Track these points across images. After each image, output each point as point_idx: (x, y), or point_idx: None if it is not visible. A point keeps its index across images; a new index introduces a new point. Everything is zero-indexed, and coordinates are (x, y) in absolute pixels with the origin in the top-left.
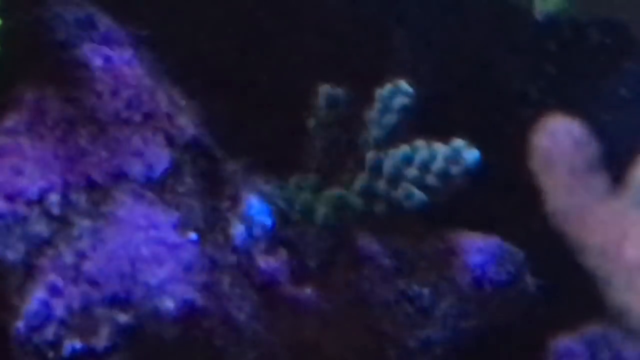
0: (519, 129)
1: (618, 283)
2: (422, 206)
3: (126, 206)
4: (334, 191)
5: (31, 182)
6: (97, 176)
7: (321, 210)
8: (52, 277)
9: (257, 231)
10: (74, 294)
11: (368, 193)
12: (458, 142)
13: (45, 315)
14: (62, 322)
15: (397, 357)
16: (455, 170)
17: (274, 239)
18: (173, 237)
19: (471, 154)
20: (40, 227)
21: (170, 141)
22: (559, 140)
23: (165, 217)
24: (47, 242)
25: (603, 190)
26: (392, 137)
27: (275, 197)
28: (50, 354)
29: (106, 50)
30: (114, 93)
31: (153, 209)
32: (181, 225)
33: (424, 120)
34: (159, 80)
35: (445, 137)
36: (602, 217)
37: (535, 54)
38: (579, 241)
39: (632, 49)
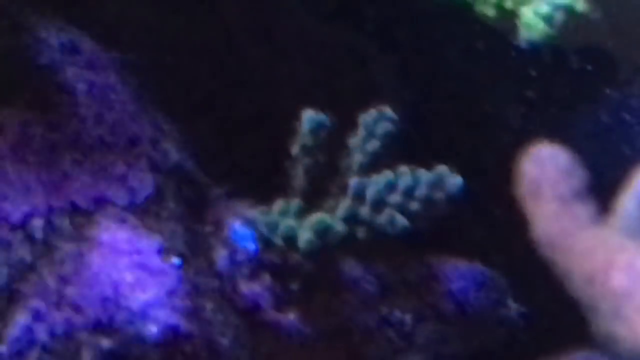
0: (500, 155)
1: (604, 311)
2: (405, 232)
3: (109, 231)
4: (317, 216)
5: (14, 207)
6: (80, 201)
7: (304, 236)
8: (35, 302)
9: (240, 256)
10: (57, 318)
11: (351, 219)
12: (441, 169)
13: (28, 340)
14: (45, 347)
15: None
16: (438, 196)
17: (257, 264)
18: (156, 262)
19: (454, 180)
20: (23, 252)
21: (153, 166)
22: (545, 167)
23: (148, 242)
24: (30, 266)
25: (589, 218)
26: (376, 163)
27: (258, 222)
28: None
29: (90, 75)
30: (98, 118)
31: (136, 233)
32: (164, 250)
33: (408, 147)
34: (142, 105)
35: (428, 164)
36: (589, 245)
37: (517, 80)
38: (564, 268)
39: (614, 76)
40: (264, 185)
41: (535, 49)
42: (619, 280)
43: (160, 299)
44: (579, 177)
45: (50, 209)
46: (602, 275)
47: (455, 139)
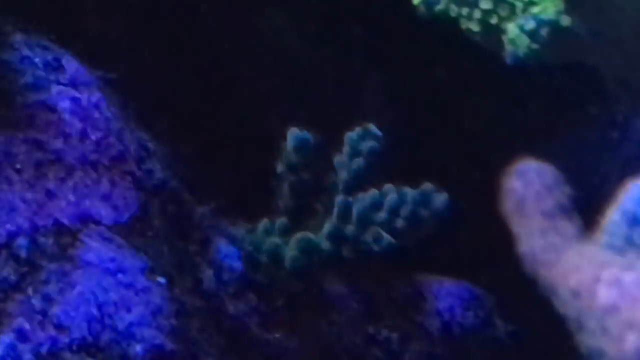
0: (487, 172)
1: (590, 326)
2: (391, 250)
3: (94, 250)
4: (303, 235)
5: None
6: (65, 219)
7: (290, 254)
8: (20, 322)
9: (225, 275)
10: (42, 338)
11: (337, 237)
12: (427, 186)
13: None
14: None
15: None
16: (424, 214)
17: (243, 283)
18: (141, 281)
19: (440, 198)
20: (7, 271)
21: (138, 185)
22: (530, 182)
23: (133, 261)
24: (15, 286)
25: (575, 233)
26: (361, 181)
27: (243, 240)
28: None
29: (74, 92)
30: (82, 136)
31: (121, 252)
32: (150, 269)
33: (394, 165)
34: (127, 123)
35: (414, 181)
36: (574, 260)
37: (504, 98)
38: (550, 284)
39: (600, 93)
40: (250, 203)
41: (521, 66)
42: (605, 295)
43: (145, 318)
44: (564, 192)
45: (35, 228)
46: (588, 291)
47: (441, 156)
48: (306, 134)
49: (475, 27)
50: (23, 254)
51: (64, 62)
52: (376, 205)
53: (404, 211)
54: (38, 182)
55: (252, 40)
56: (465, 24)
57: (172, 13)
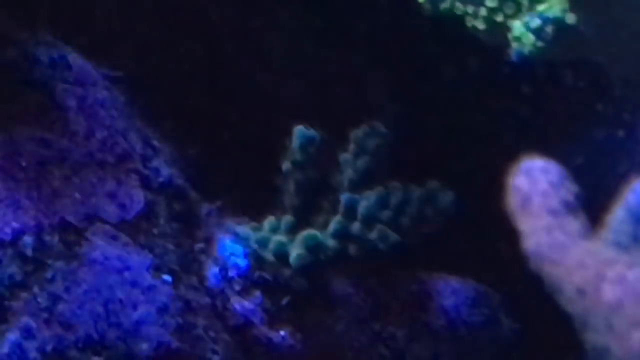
0: (493, 171)
1: (595, 324)
2: (397, 248)
3: (100, 248)
4: (308, 232)
5: (4, 224)
6: (70, 217)
7: (295, 252)
8: (26, 320)
9: (231, 273)
10: (48, 336)
11: (342, 235)
12: (433, 184)
13: (18, 358)
14: None
15: None
16: (430, 212)
17: (248, 281)
18: (147, 279)
19: (446, 196)
20: (13, 269)
21: (144, 182)
22: (535, 179)
23: (139, 258)
24: (21, 284)
25: (580, 231)
26: (367, 179)
27: (249, 238)
28: None
29: (80, 91)
30: (88, 134)
31: (127, 250)
32: (155, 267)
33: (399, 163)
34: (132, 121)
35: (419, 179)
36: (579, 258)
37: (510, 95)
38: (555, 282)
39: (606, 91)
40: (255, 201)
41: (528, 64)
42: (610, 293)
43: (151, 316)
44: (569, 190)
45: (41, 226)
46: (593, 289)
47: (447, 155)
48: (312, 132)
49: (480, 25)
50: (29, 252)
51: (70, 60)
52: (382, 203)
53: (410, 209)
54: (44, 181)
55: (257, 38)
56: (470, 22)
57: (178, 12)
